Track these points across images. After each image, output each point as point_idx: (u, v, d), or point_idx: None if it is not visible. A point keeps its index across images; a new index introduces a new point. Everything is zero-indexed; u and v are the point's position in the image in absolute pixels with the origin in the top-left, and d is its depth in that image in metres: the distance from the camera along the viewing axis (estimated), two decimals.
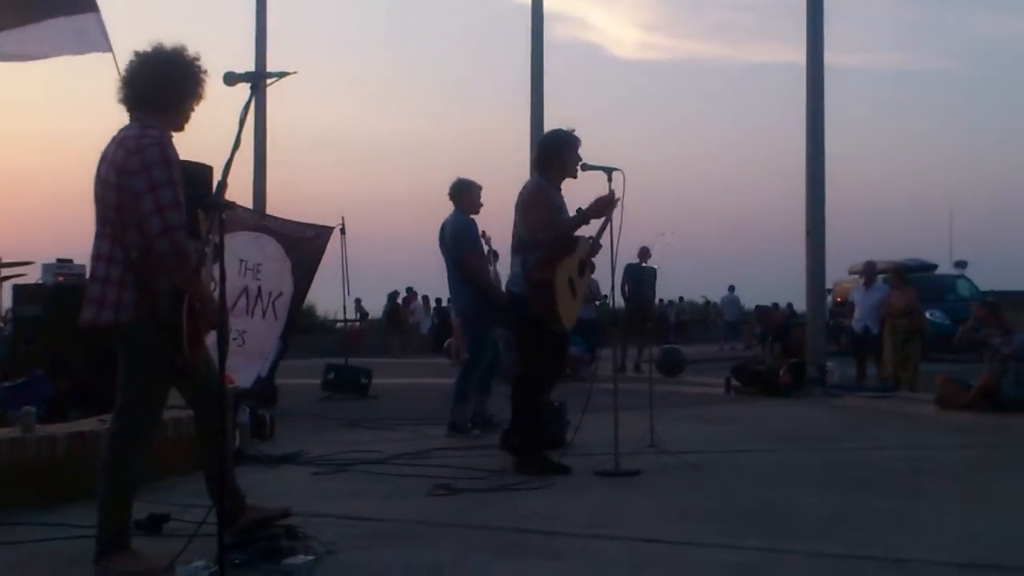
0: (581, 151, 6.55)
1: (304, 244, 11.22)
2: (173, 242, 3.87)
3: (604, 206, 6.43)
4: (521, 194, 6.57)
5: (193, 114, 4.22)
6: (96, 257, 4.05)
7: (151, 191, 3.88)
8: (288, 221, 11.38)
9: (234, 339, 10.27)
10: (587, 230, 6.64)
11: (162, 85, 4.08)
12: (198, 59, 4.16)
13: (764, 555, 4.26)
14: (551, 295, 6.25)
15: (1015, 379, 10.06)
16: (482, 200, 8.74)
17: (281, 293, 10.83)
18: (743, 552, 4.30)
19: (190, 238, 3.98)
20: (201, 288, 3.98)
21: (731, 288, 34.32)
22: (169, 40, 4.14)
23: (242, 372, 10.34)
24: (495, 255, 9.95)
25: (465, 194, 8.65)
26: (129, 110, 4.12)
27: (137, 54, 4.13)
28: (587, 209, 6.44)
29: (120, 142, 4.03)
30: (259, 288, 10.54)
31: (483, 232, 9.84)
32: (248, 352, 10.54)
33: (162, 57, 4.11)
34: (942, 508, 5.29)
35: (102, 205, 4.05)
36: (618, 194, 6.45)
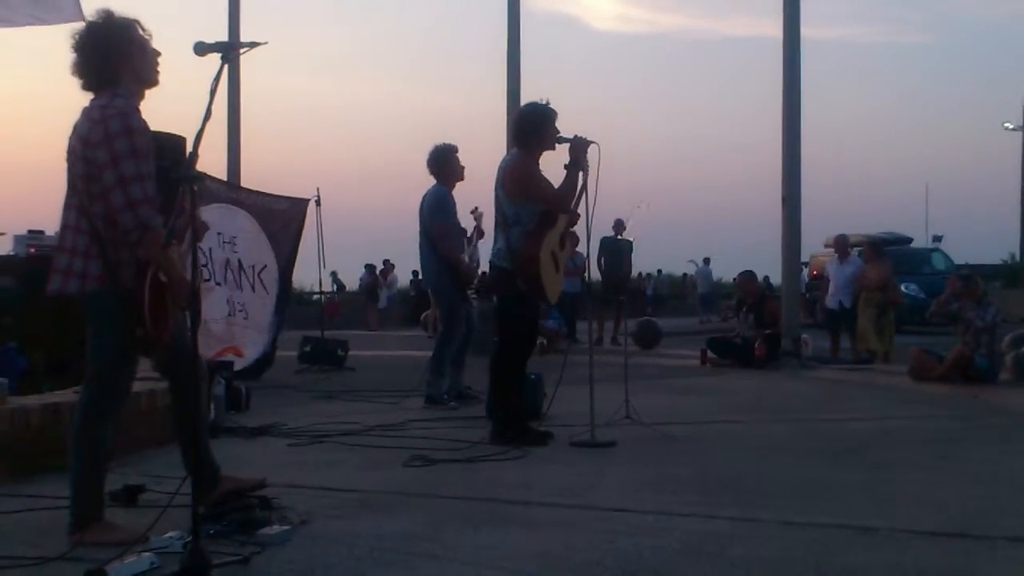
0: (556, 123, 6.58)
1: (277, 216, 11.22)
2: (136, 216, 3.82)
3: (581, 150, 6.45)
4: (510, 171, 6.53)
5: (159, 63, 4.12)
6: (64, 227, 4.03)
7: (113, 164, 3.83)
8: (260, 193, 11.36)
9: (240, 311, 10.31)
10: None
11: (107, 57, 3.99)
12: (113, 15, 4.03)
13: (736, 524, 4.29)
14: (537, 271, 6.33)
15: (988, 352, 10.17)
16: (462, 163, 8.59)
17: (265, 266, 10.85)
18: (716, 521, 4.34)
19: (158, 211, 3.95)
20: (168, 262, 3.93)
21: (706, 260, 34.44)
22: (125, 7, 4.09)
23: (251, 347, 10.37)
24: (480, 233, 9.90)
25: (444, 164, 8.50)
26: (93, 91, 4.05)
27: (71, 45, 4.03)
28: (571, 160, 6.47)
29: (87, 113, 3.99)
30: (239, 261, 10.53)
31: (476, 208, 9.77)
32: (255, 324, 10.56)
33: (94, 31, 4.02)
34: (913, 478, 5.35)
35: (71, 176, 4.01)
36: (593, 166, 6.50)
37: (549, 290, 6.49)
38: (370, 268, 30.47)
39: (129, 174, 3.84)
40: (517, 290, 6.45)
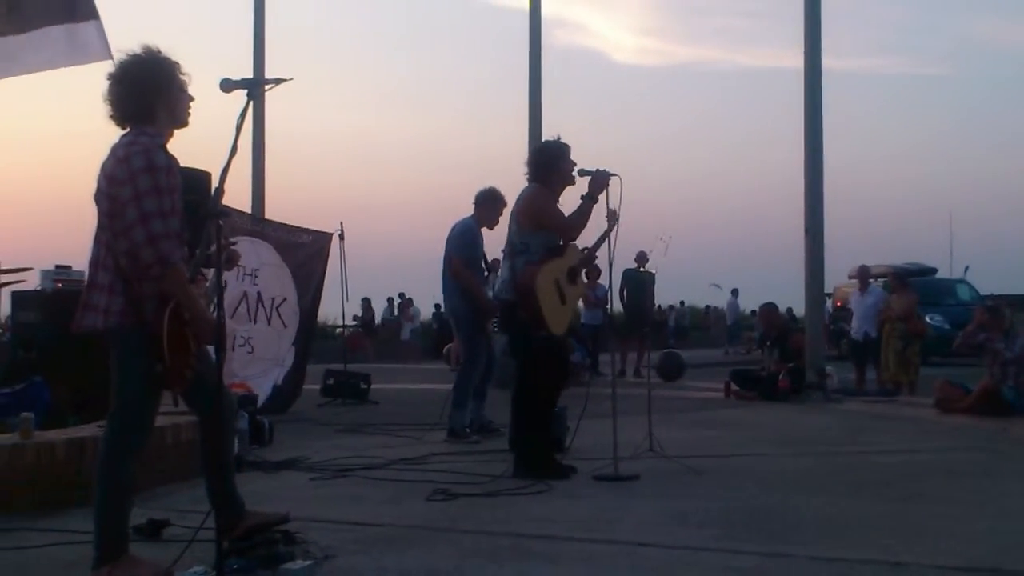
0: (572, 156, 6.64)
1: (300, 249, 11.27)
2: (157, 252, 3.83)
3: (600, 184, 6.48)
4: (526, 202, 6.57)
5: (192, 106, 4.16)
6: (92, 263, 4.05)
7: (135, 201, 3.85)
8: (284, 226, 11.42)
9: (241, 346, 10.31)
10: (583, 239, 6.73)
11: (141, 95, 4.03)
12: (160, 53, 4.09)
13: (763, 559, 4.26)
14: (534, 300, 6.30)
15: (1016, 383, 10.07)
16: (500, 219, 8.46)
17: (285, 299, 10.87)
18: (742, 556, 4.30)
19: (182, 246, 3.97)
20: (190, 298, 3.95)
21: (734, 292, 34.34)
22: (163, 46, 4.13)
23: (260, 380, 10.36)
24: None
25: (483, 206, 8.53)
26: (123, 124, 4.10)
27: (110, 75, 4.09)
28: (589, 193, 6.51)
29: (113, 150, 4.03)
30: (259, 293, 10.57)
31: None
32: (260, 359, 10.55)
33: (140, 65, 4.06)
34: (941, 512, 5.29)
35: (99, 212, 4.05)
36: (615, 200, 6.53)
37: (551, 321, 6.37)
38: (366, 302, 30.33)
39: (151, 210, 3.86)
40: (521, 321, 6.43)
